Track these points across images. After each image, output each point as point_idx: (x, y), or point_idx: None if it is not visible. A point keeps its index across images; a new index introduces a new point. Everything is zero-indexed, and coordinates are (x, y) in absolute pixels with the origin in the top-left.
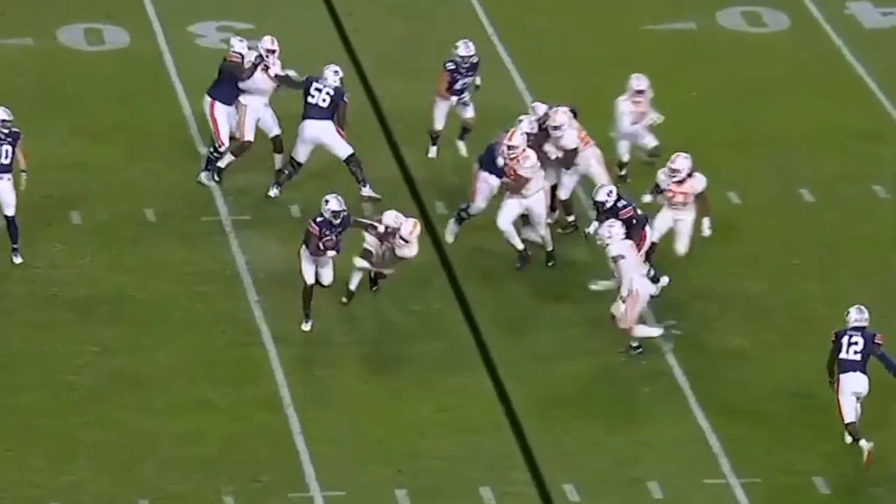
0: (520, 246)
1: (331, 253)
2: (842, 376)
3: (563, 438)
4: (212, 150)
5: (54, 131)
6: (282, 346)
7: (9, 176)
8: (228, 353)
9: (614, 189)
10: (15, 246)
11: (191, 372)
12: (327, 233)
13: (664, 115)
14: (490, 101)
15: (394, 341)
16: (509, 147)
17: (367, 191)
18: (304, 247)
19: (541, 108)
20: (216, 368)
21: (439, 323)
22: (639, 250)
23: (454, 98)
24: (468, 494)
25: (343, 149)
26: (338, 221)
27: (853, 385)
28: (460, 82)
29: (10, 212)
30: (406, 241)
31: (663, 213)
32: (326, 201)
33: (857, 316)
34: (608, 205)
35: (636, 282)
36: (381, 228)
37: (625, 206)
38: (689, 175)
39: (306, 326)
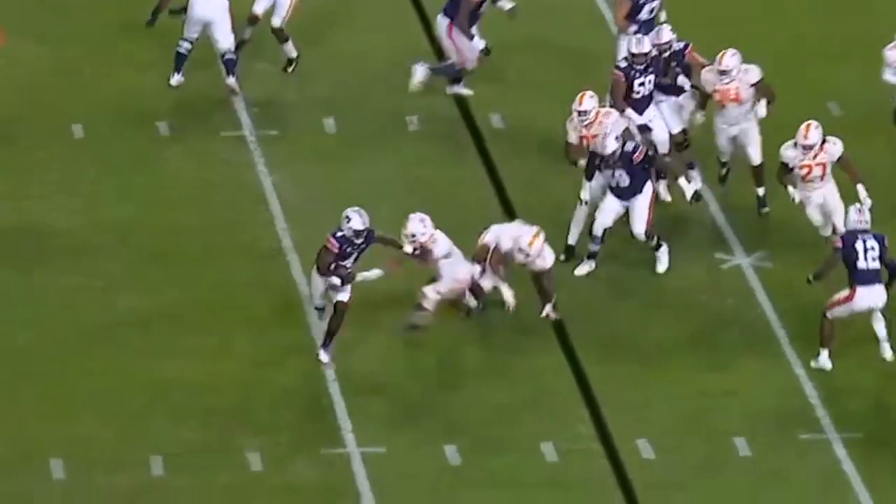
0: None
1: (335, 281)
2: (860, 289)
3: (634, 389)
4: (232, 50)
5: (53, 32)
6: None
7: None
8: (251, 291)
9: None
10: None
11: (208, 312)
12: (348, 250)
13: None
14: None
15: None
16: (580, 113)
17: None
18: (315, 268)
19: (666, 33)
20: (237, 308)
21: None
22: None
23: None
24: (527, 451)
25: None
26: (359, 241)
27: (872, 299)
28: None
29: None
30: (528, 255)
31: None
32: (348, 218)
33: (857, 217)
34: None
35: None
36: (409, 248)
37: (635, 150)
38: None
39: (324, 357)
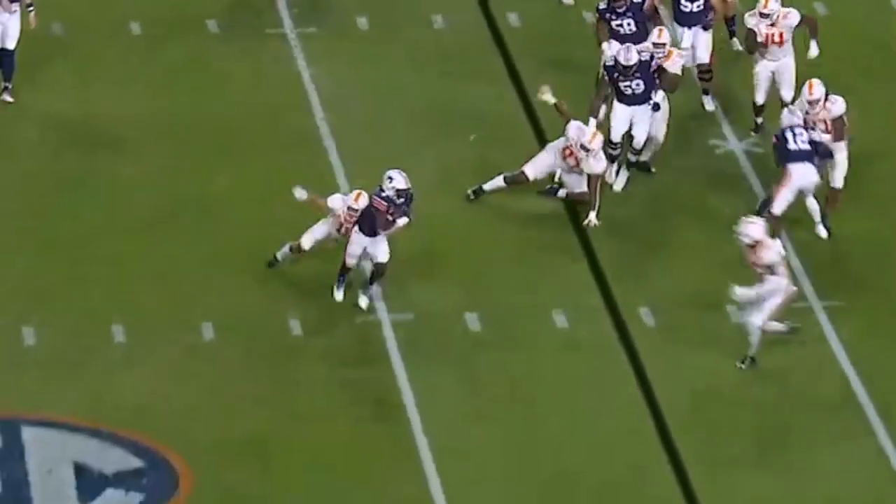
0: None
1: (402, 220)
2: (792, 166)
3: (639, 260)
4: None
5: None
6: (347, 162)
7: (16, 6)
8: (297, 172)
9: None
10: (7, 84)
11: (258, 194)
12: (393, 209)
13: None
14: None
15: None
16: (656, 45)
17: None
18: (356, 228)
19: None
20: (283, 189)
21: None
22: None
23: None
24: (541, 319)
25: None
26: (400, 200)
27: (806, 177)
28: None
29: (10, 45)
30: (588, 150)
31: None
32: (390, 178)
33: (789, 117)
34: (632, 61)
35: None
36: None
37: (651, 58)
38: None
39: (339, 295)
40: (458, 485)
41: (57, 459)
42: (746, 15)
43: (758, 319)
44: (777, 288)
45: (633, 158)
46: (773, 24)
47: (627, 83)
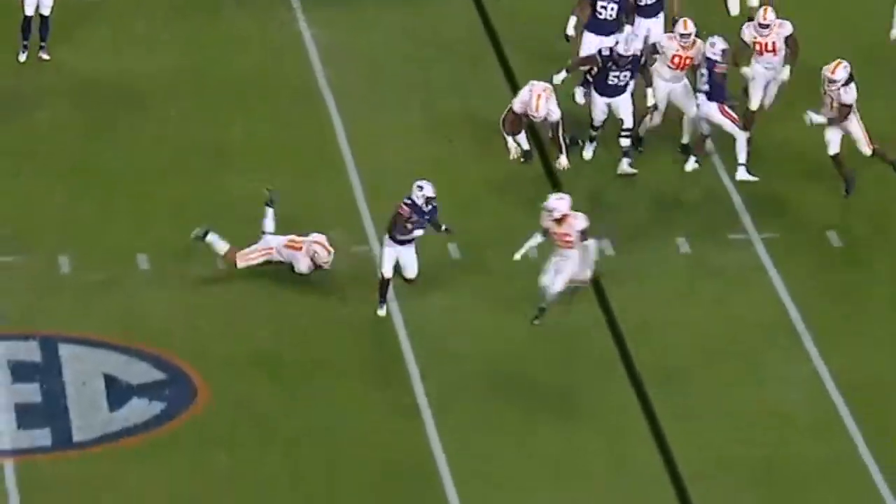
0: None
1: (418, 231)
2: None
3: (604, 189)
4: None
5: None
6: (342, 103)
7: None
8: (300, 124)
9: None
10: (43, 44)
11: (264, 141)
12: (415, 217)
13: None
14: None
15: None
16: (682, 35)
17: None
18: (387, 236)
19: None
20: (286, 139)
21: None
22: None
23: None
24: (514, 251)
25: None
26: (428, 208)
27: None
28: None
29: (46, 11)
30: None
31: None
32: (420, 187)
33: (710, 49)
34: (630, 52)
35: None
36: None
37: (642, 54)
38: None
39: (381, 311)
40: (444, 389)
41: (90, 373)
42: (743, 27)
43: (558, 285)
44: (588, 253)
45: (626, 143)
46: (769, 34)
47: (617, 73)
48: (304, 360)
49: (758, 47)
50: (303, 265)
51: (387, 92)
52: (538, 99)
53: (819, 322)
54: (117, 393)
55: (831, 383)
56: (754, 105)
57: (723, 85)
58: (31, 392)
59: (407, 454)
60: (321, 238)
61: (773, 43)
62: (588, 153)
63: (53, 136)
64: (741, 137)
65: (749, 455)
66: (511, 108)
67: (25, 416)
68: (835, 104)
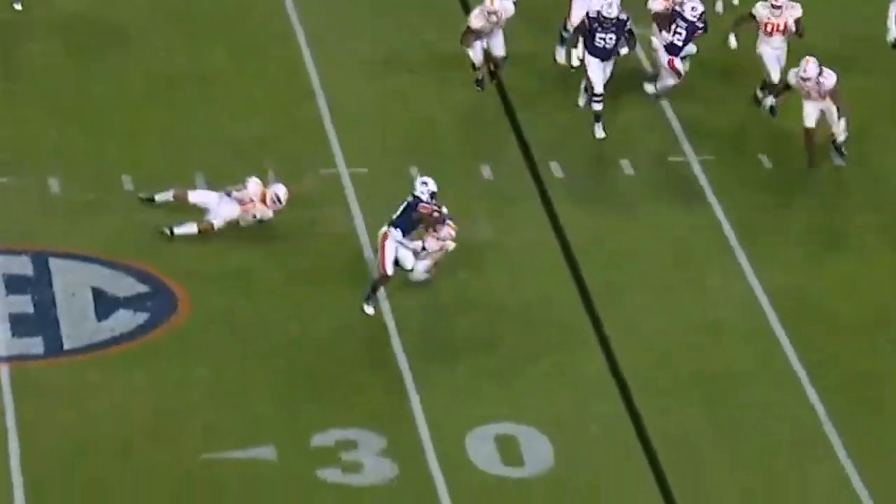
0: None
1: (445, 231)
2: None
3: (555, 116)
4: None
5: None
6: (316, 48)
7: None
8: (272, 58)
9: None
10: None
11: (243, 71)
12: (437, 212)
13: None
14: None
15: None
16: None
17: None
18: (392, 229)
19: None
20: (263, 69)
21: None
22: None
23: None
24: (470, 173)
25: None
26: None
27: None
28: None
29: None
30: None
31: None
32: (425, 183)
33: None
34: (612, 14)
35: None
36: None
37: (627, 18)
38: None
39: (369, 310)
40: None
41: (78, 285)
42: (758, 5)
43: (422, 266)
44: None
45: (598, 108)
46: (781, 15)
47: (603, 35)
48: (281, 275)
49: (769, 27)
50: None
51: (352, 26)
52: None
53: (751, 239)
54: (104, 304)
55: (763, 295)
56: (776, 77)
57: (689, 42)
58: (24, 303)
59: (378, 364)
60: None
61: (785, 24)
62: (600, 132)
63: (45, 67)
64: (670, 81)
65: (687, 358)
66: (468, 27)
67: (19, 325)
68: (822, 93)
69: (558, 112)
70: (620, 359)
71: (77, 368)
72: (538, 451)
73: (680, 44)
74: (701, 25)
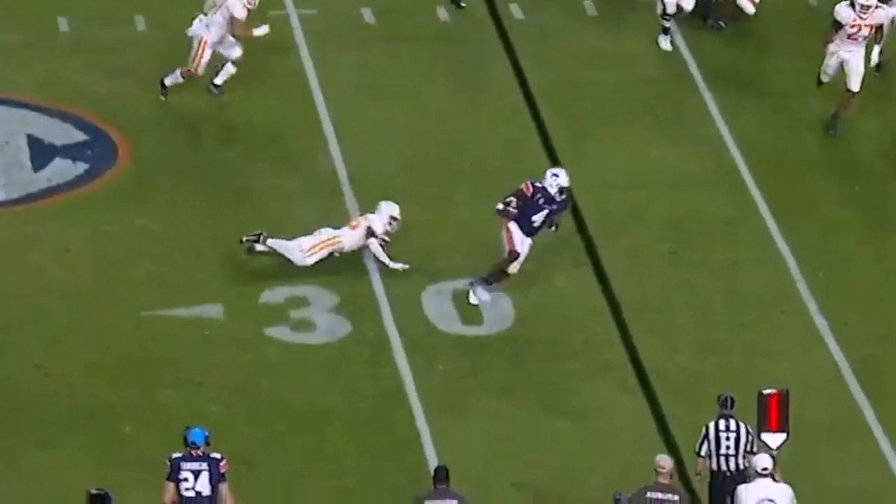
0: None
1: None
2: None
3: None
4: None
5: None
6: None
7: None
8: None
9: None
10: None
11: None
12: (540, 201)
13: None
14: None
15: None
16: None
17: None
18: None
19: None
20: None
21: None
22: None
23: None
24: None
25: None
26: (562, 197)
27: None
28: None
29: None
30: None
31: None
32: (556, 175)
33: None
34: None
35: None
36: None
37: None
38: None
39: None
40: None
41: (12, 132)
42: (840, 6)
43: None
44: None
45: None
46: (867, 17)
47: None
48: (224, 123)
49: (854, 29)
50: None
51: None
52: None
53: (721, 86)
54: (40, 153)
55: (734, 147)
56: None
57: None
58: None
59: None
60: None
61: (869, 25)
62: (666, 44)
63: None
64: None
65: (658, 208)
66: None
67: None
68: (867, 26)
69: None
70: (582, 205)
71: (14, 220)
72: (498, 308)
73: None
74: None
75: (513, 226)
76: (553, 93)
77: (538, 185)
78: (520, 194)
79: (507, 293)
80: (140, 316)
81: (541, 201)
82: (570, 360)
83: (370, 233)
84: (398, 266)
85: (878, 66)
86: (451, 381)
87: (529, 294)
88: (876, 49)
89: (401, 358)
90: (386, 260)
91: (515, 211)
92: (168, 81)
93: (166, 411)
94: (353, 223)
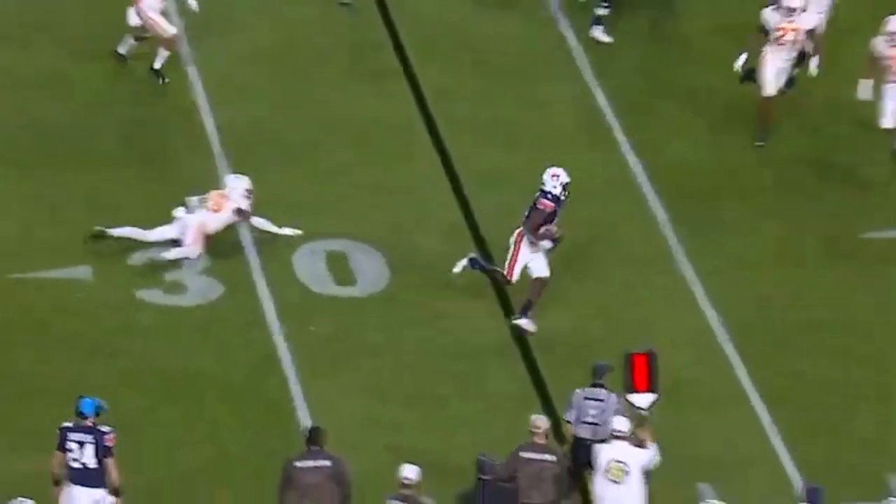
0: None
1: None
2: None
3: None
4: None
5: None
6: None
7: None
8: None
9: None
10: None
11: None
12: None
13: None
14: None
15: None
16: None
17: None
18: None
19: None
20: None
21: None
22: None
23: None
24: None
25: None
26: (566, 195)
27: None
28: None
29: None
30: None
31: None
32: (556, 175)
33: None
34: None
35: None
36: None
37: None
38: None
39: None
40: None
41: None
42: (876, 40)
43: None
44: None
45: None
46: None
47: None
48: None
49: (779, 33)
50: None
51: None
52: None
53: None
54: None
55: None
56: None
57: None
58: None
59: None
60: None
61: (797, 30)
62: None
63: None
64: None
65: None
66: None
67: None
68: (793, 30)
69: None
70: (456, 160)
71: None
72: (371, 268)
73: None
74: None
75: (524, 248)
76: None
77: (549, 194)
78: (545, 215)
79: (381, 253)
80: (3, 279)
81: (557, 209)
82: (445, 319)
83: (241, 214)
84: (290, 232)
85: (790, 81)
86: (324, 343)
87: (402, 253)
88: (813, 62)
89: (272, 319)
90: (275, 229)
91: (556, 228)
92: (156, 65)
93: (40, 378)
94: (213, 205)
